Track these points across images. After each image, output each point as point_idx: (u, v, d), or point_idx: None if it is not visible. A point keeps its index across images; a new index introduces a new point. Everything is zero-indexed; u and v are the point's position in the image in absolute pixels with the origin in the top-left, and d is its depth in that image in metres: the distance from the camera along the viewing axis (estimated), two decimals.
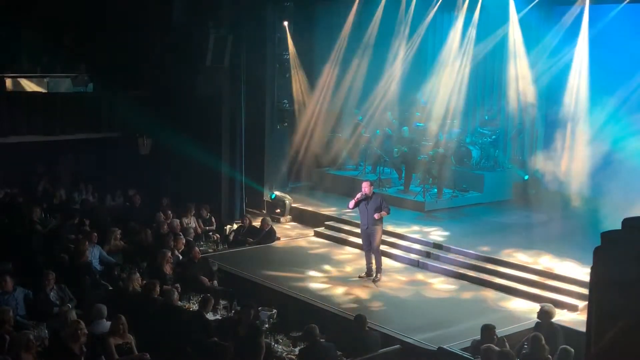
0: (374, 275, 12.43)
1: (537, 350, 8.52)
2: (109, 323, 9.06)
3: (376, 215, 12.11)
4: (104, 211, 15.38)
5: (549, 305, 9.70)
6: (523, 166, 17.43)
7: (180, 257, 12.42)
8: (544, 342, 8.56)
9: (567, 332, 9.44)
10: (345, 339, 9.44)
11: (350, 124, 18.08)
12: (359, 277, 12.56)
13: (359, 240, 13.16)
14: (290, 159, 17.56)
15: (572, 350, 8.34)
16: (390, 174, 17.68)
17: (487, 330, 8.93)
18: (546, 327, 9.30)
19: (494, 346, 8.43)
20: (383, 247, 13.07)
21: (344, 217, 15.40)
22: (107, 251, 12.95)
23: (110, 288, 11.37)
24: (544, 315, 9.44)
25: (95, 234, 12.88)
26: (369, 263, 12.54)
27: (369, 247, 12.46)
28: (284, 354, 9.27)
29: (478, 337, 9.06)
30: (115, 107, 17.39)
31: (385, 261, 13.01)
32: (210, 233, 15.01)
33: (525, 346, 8.86)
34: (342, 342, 9.28)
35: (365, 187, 12.25)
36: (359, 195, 12.26)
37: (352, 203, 12.42)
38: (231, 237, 15.01)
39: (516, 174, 17.30)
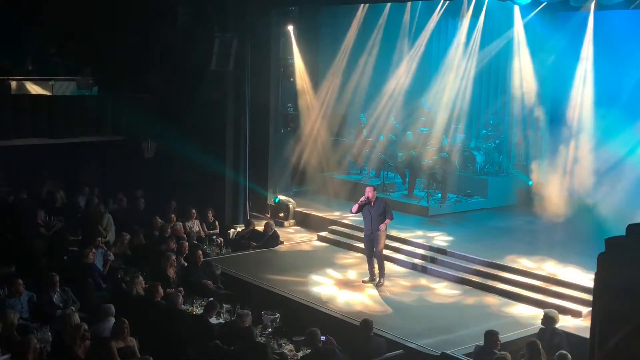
0: (377, 280, 12.41)
1: (536, 356, 8.47)
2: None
3: (381, 227, 12.10)
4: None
5: (553, 311, 9.66)
6: (527, 171, 17.40)
7: (183, 262, 12.43)
8: (540, 347, 8.52)
9: (571, 338, 9.41)
10: (348, 344, 9.42)
11: (354, 127, 18.08)
12: (362, 281, 12.54)
13: (363, 245, 13.12)
14: (294, 163, 17.56)
15: (569, 355, 8.30)
16: (394, 179, 17.66)
17: (491, 336, 8.91)
18: (550, 333, 9.28)
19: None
20: (386, 252, 13.06)
21: (347, 221, 15.39)
22: (114, 253, 12.97)
23: (114, 291, 11.37)
24: (548, 321, 9.41)
25: (99, 238, 12.92)
26: (371, 268, 12.49)
27: (372, 252, 12.43)
28: (288, 358, 9.26)
29: (481, 342, 9.03)
30: (120, 110, 17.40)
31: (389, 266, 13.00)
32: (214, 237, 15.01)
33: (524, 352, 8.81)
34: (344, 347, 9.25)
35: (369, 192, 12.20)
36: (362, 199, 12.22)
37: (354, 207, 12.37)
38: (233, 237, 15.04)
39: (520, 179, 17.27)
